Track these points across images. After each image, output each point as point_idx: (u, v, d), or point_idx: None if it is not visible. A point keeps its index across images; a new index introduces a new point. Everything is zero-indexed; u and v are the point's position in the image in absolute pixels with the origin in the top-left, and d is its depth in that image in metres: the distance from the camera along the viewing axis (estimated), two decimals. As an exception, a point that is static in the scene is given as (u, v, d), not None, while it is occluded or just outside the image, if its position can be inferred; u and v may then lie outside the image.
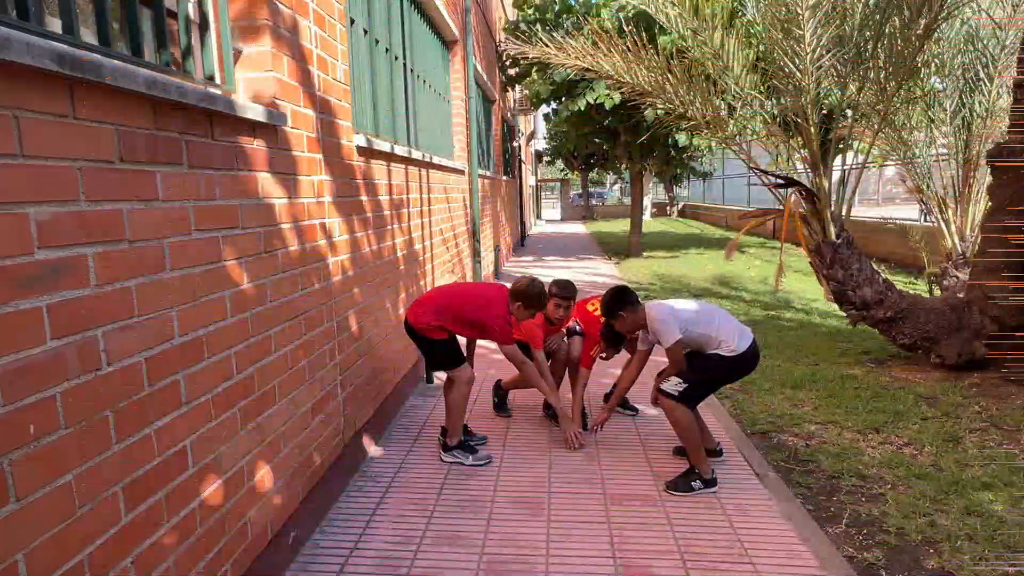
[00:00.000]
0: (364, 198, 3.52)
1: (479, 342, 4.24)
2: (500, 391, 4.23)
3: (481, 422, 4.00)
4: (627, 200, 32.92)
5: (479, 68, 8.99)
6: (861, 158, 6.01)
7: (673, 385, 3.13)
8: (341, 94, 3.21)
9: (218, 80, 2.33)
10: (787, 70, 4.94)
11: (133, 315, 1.63)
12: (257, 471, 2.28)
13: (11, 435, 1.27)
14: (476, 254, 6.55)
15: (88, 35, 1.69)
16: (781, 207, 5.41)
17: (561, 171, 35.25)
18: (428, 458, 3.52)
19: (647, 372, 3.62)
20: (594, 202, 34.43)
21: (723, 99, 5.63)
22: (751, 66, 5.61)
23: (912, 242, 7.67)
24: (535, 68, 12.01)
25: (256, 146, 2.30)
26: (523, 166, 19.59)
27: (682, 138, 11.46)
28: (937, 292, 6.30)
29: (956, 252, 5.97)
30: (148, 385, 1.68)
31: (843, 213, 5.18)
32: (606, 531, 2.74)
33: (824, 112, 5.96)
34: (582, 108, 11.53)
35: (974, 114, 5.86)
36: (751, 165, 5.58)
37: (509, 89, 14.20)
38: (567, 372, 4.02)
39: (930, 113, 6.27)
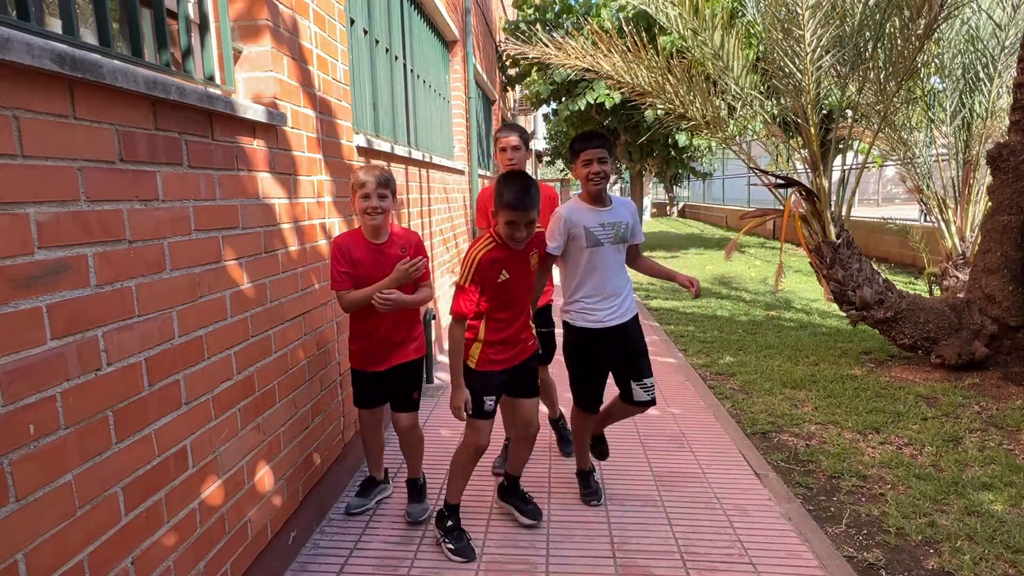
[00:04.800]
0: (364, 198, 3.51)
1: None
2: None
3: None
4: (627, 200, 32.89)
5: (479, 68, 8.99)
6: (861, 158, 6.01)
7: None
8: (341, 94, 3.21)
9: (218, 80, 2.33)
10: (787, 70, 4.94)
11: (133, 315, 1.63)
12: (257, 471, 2.28)
13: (11, 435, 1.27)
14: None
15: (88, 35, 1.69)
16: (781, 207, 5.41)
17: (561, 171, 35.29)
18: (428, 458, 3.52)
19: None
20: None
21: (723, 99, 5.63)
22: (751, 66, 5.61)
23: (912, 242, 7.67)
24: (535, 68, 12.04)
25: (256, 146, 2.30)
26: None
27: (682, 138, 11.47)
28: (937, 292, 6.31)
29: (956, 252, 5.98)
30: (148, 385, 1.68)
31: (843, 213, 5.18)
32: (606, 531, 2.74)
33: (824, 112, 5.97)
34: (582, 108, 11.55)
35: (974, 114, 5.86)
36: (751, 165, 5.59)
37: (509, 89, 14.22)
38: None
39: (930, 113, 6.28)
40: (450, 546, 2.58)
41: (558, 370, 3.34)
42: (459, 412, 2.51)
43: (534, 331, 2.74)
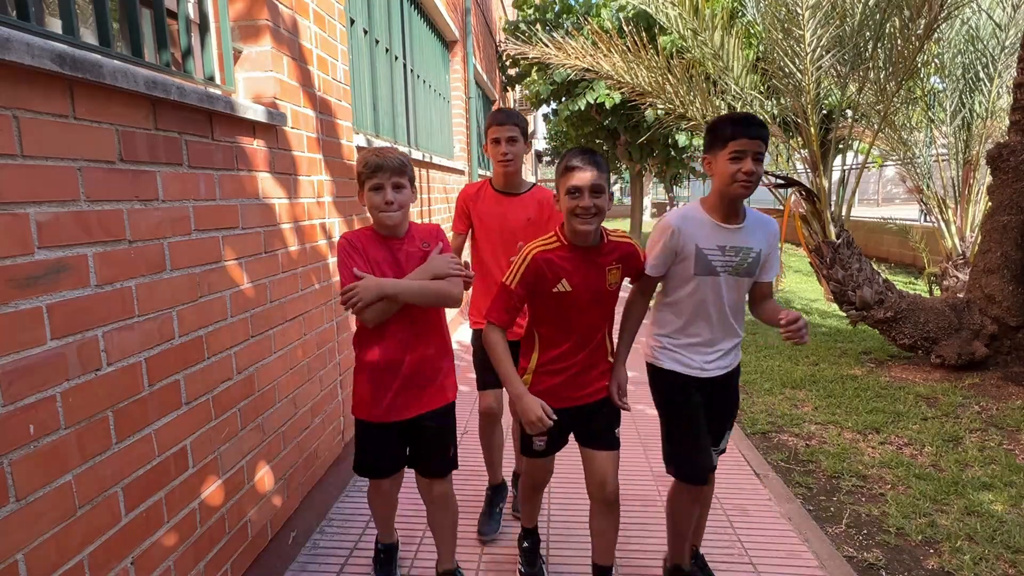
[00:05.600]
0: (364, 198, 3.52)
1: None
2: None
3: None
4: (627, 200, 32.93)
5: (479, 68, 8.99)
6: (861, 158, 6.01)
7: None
8: (341, 94, 3.21)
9: (218, 80, 2.33)
10: (787, 70, 4.94)
11: (133, 315, 1.63)
12: (257, 471, 2.28)
13: (11, 435, 1.27)
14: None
15: (88, 35, 1.69)
16: (781, 207, 5.41)
17: (561, 171, 35.17)
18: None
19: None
20: (594, 202, 34.32)
21: (723, 99, 5.63)
22: (751, 66, 5.61)
23: (912, 242, 7.68)
24: (535, 68, 12.03)
25: (256, 146, 2.30)
26: (523, 166, 19.60)
27: (682, 138, 11.47)
28: (937, 292, 6.31)
29: (956, 252, 5.98)
30: (148, 385, 1.68)
31: (843, 213, 5.18)
32: (606, 531, 2.74)
33: (824, 112, 5.97)
34: (582, 108, 11.54)
35: (974, 114, 5.87)
36: (751, 165, 5.57)
37: (509, 89, 14.21)
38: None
39: (930, 113, 6.29)
40: (521, 569, 2.39)
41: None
42: (539, 421, 1.94)
43: (619, 376, 2.13)
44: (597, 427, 2.11)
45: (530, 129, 25.55)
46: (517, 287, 1.97)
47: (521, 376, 2.07)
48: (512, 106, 16.88)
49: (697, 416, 2.08)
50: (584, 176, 1.86)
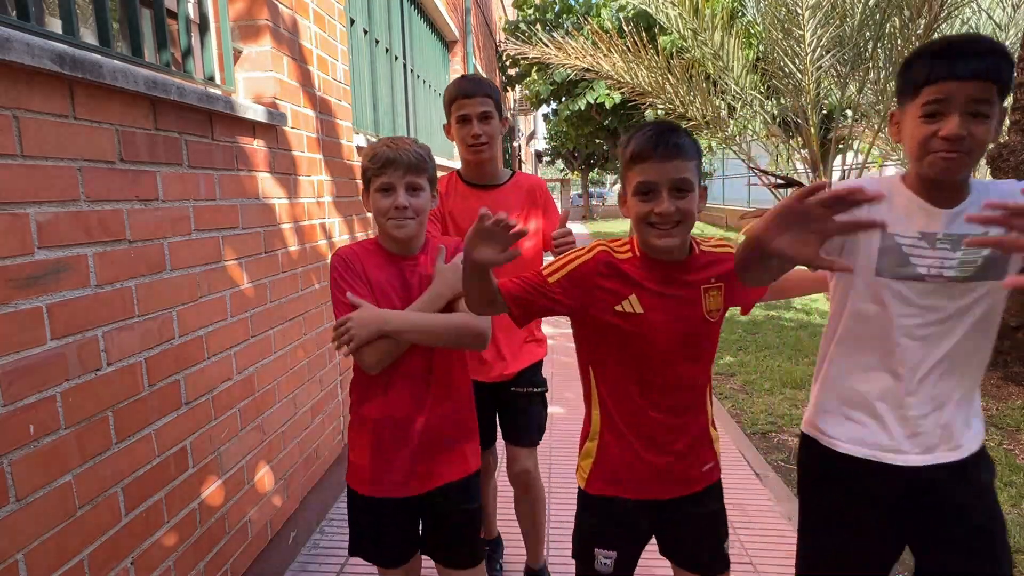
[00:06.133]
0: (364, 198, 3.52)
1: None
2: None
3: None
4: (627, 200, 32.86)
5: (479, 68, 8.99)
6: (861, 158, 6.01)
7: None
8: (341, 94, 3.21)
9: (218, 80, 2.33)
10: (787, 70, 4.95)
11: (133, 315, 1.63)
12: (257, 471, 2.28)
13: (11, 435, 1.27)
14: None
15: (88, 35, 1.69)
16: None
17: (561, 171, 35.32)
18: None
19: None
20: (594, 202, 34.42)
21: (723, 99, 5.64)
22: (751, 66, 5.62)
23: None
24: (535, 68, 12.05)
25: (256, 146, 2.30)
26: (523, 166, 19.57)
27: (682, 138, 11.49)
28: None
29: (956, 252, 5.97)
30: (148, 385, 1.68)
31: (843, 213, 5.17)
32: (606, 531, 2.74)
33: (824, 112, 5.97)
34: (582, 108, 11.56)
35: (974, 114, 5.87)
36: (751, 165, 5.59)
37: (509, 89, 14.22)
38: None
39: (930, 113, 6.29)
40: None
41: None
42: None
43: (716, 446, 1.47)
44: (698, 541, 1.44)
45: (529, 129, 25.45)
46: (556, 284, 1.32)
47: (582, 446, 1.46)
48: (512, 106, 16.81)
49: (853, 541, 1.33)
50: (660, 168, 1.23)
